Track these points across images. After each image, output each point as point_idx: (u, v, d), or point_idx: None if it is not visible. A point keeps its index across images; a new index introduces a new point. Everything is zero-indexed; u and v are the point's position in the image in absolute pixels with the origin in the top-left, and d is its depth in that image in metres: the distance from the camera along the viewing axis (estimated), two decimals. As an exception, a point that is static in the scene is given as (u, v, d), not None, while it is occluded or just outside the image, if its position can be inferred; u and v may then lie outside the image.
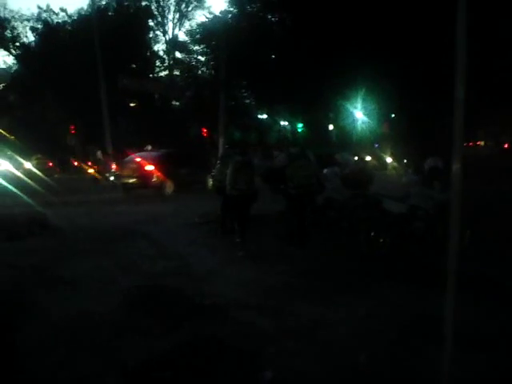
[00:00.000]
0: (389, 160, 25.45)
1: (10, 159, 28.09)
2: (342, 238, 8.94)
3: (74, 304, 5.66)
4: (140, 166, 17.79)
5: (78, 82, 31.65)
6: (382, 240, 7.60)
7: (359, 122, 28.53)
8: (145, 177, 17.52)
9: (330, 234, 9.27)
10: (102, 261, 7.76)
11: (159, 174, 17.43)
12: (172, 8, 42.85)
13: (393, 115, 27.06)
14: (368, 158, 26.05)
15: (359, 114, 27.50)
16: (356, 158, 21.30)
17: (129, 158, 19.58)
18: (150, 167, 17.52)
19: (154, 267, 7.38)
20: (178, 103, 42.94)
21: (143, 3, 40.34)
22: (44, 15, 37.35)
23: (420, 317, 4.91)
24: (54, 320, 5.16)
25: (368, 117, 26.83)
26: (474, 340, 4.27)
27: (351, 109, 26.20)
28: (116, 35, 32.96)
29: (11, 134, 29.08)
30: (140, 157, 18.72)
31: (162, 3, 42.19)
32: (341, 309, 5.33)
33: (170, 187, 17.51)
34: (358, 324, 4.91)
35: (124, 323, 5.02)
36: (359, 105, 25.43)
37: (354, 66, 19.38)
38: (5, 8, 36.45)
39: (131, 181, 17.95)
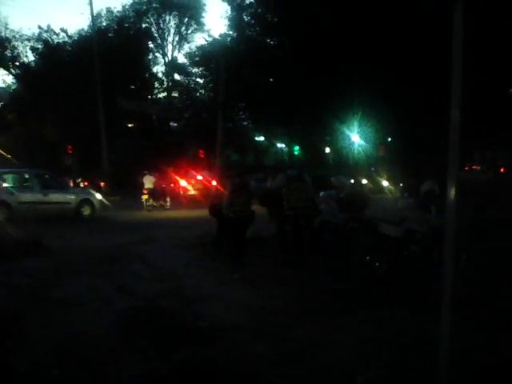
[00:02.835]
0: (385, 183, 25.51)
1: None
2: (338, 261, 8.92)
3: (68, 325, 5.61)
4: (207, 182, 22.78)
5: (77, 102, 31.84)
6: (378, 263, 7.59)
7: (356, 146, 28.71)
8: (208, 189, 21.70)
9: (325, 257, 9.25)
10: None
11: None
12: (172, 30, 43.44)
13: (389, 139, 27.26)
14: (364, 182, 26.11)
15: (356, 137, 27.69)
16: (352, 181, 21.35)
17: (192, 175, 26.02)
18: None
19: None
20: (176, 124, 43.18)
21: (143, 25, 40.86)
22: (45, 35, 37.63)
23: (416, 340, 4.89)
24: (49, 341, 5.11)
25: (364, 140, 27.03)
26: (469, 364, 4.25)
27: (348, 132, 26.40)
28: (115, 56, 33.22)
29: (9, 153, 29.07)
30: (203, 175, 25.07)
31: (162, 25, 42.75)
32: (337, 332, 5.31)
33: None
34: (354, 348, 4.87)
35: (119, 345, 4.98)
36: (356, 128, 25.63)
37: (351, 89, 19.60)
38: (6, 28, 36.76)
39: (195, 193, 24.66)
